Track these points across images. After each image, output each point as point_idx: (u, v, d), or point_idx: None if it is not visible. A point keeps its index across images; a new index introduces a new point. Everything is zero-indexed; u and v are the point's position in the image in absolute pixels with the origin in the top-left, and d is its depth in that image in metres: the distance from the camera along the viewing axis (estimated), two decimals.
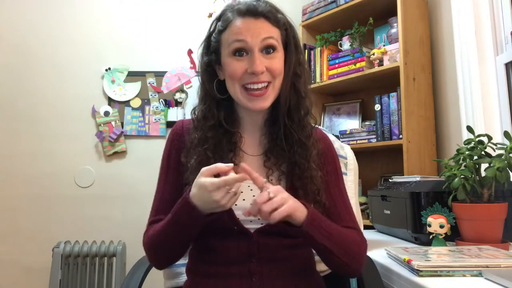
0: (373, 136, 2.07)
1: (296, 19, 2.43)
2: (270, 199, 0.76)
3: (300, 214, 0.81)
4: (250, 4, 0.89)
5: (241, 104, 0.91)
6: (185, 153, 0.93)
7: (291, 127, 0.92)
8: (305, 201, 0.89)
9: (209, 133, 0.91)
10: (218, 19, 0.93)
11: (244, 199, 0.88)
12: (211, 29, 0.95)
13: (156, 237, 0.88)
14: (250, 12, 0.88)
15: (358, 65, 2.14)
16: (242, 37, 0.87)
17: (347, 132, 2.19)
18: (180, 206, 0.82)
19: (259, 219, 0.89)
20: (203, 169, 0.78)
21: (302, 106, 0.94)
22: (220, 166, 0.77)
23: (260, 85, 0.88)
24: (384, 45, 2.08)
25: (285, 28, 0.93)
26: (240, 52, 0.88)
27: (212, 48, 0.93)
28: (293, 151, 0.91)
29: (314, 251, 0.94)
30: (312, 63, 2.41)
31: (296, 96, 0.93)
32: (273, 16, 0.90)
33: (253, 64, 0.86)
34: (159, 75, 2.56)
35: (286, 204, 0.77)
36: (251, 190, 0.90)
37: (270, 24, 0.89)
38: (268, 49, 0.88)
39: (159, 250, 0.90)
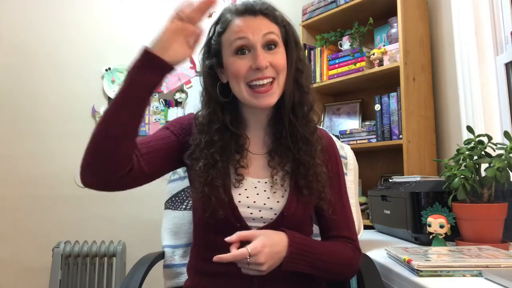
0: (373, 136, 2.07)
1: (296, 19, 2.44)
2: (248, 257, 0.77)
3: (278, 262, 0.82)
4: (247, 4, 0.90)
5: (247, 102, 0.90)
6: (189, 154, 0.93)
7: (296, 123, 0.92)
8: (310, 200, 0.90)
9: (216, 136, 0.90)
10: (217, 22, 0.94)
11: (247, 197, 0.89)
12: (210, 33, 0.95)
13: (101, 119, 0.76)
14: (249, 11, 0.89)
15: (358, 65, 2.14)
16: (243, 34, 0.87)
17: (347, 132, 2.19)
18: (135, 59, 0.75)
19: (262, 217, 0.89)
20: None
21: (306, 102, 0.94)
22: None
23: (265, 81, 0.88)
24: (384, 45, 2.08)
25: (284, 25, 0.93)
26: (242, 50, 0.88)
27: (213, 51, 0.93)
28: (298, 148, 0.92)
29: None
30: (312, 63, 2.41)
31: (299, 92, 0.93)
32: (271, 13, 0.91)
33: (257, 59, 0.86)
34: None
35: (259, 271, 0.79)
36: (255, 187, 0.91)
37: (269, 21, 0.90)
38: (270, 45, 0.89)
39: (100, 137, 0.75)
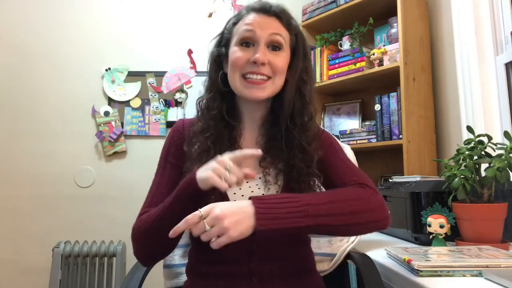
0: (373, 136, 2.07)
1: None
2: (201, 218, 0.71)
3: (248, 221, 0.73)
4: (265, 3, 0.94)
5: (239, 93, 0.93)
6: (187, 141, 0.94)
7: (294, 131, 0.93)
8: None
9: (211, 123, 0.93)
10: (234, 16, 0.99)
11: (242, 195, 0.89)
12: (226, 25, 0.99)
13: (150, 221, 0.84)
14: (264, 10, 0.93)
15: (358, 65, 2.14)
16: (252, 27, 0.90)
17: (347, 132, 2.19)
18: (185, 181, 0.81)
19: None
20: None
21: (306, 112, 0.95)
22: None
23: (259, 77, 0.90)
24: (384, 45, 2.08)
25: (296, 33, 0.96)
26: (247, 43, 0.91)
27: (224, 40, 0.97)
28: (293, 155, 0.92)
29: (314, 247, 0.95)
30: (312, 63, 2.41)
31: (301, 101, 0.94)
32: (286, 19, 0.94)
33: (256, 53, 0.89)
34: (159, 75, 2.55)
35: (224, 229, 0.70)
36: (249, 187, 0.91)
37: (281, 24, 0.93)
38: (274, 46, 0.92)
39: (149, 236, 0.84)
